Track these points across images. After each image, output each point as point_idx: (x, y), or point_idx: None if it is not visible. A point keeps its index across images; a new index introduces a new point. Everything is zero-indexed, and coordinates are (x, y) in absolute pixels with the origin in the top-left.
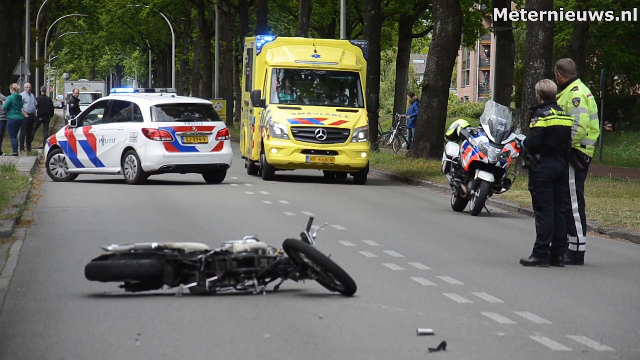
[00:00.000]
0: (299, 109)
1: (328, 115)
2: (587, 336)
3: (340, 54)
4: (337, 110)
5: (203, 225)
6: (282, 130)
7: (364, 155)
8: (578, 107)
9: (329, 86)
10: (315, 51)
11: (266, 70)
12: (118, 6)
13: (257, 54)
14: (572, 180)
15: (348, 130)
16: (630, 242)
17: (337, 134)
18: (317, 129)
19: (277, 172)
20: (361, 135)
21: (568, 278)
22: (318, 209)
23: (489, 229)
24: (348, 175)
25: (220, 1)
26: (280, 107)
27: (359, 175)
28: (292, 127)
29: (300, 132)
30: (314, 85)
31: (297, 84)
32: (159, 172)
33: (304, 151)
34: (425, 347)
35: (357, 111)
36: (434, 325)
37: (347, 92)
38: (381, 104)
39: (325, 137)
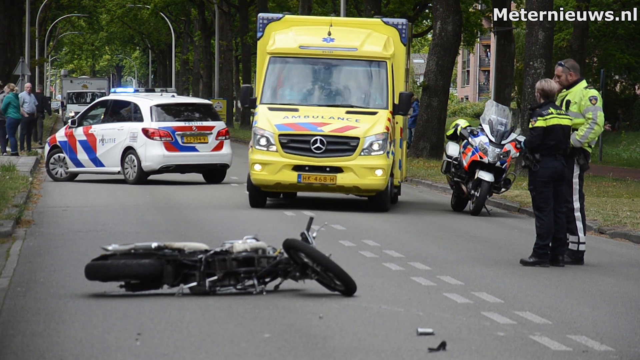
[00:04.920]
0: (296, 110)
1: (332, 119)
2: (587, 336)
3: (363, 37)
4: (348, 112)
5: (203, 225)
6: (268, 139)
7: (379, 173)
8: (596, 105)
9: (343, 80)
10: (329, 33)
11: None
12: (118, 6)
13: (259, 38)
14: (575, 180)
15: (356, 139)
16: (630, 242)
17: (341, 145)
18: (314, 138)
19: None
20: (376, 146)
21: (568, 278)
22: (318, 209)
23: (489, 229)
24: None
25: (220, 1)
26: (271, 109)
27: (375, 201)
28: (280, 135)
29: (291, 142)
30: (323, 78)
31: (300, 78)
32: (159, 172)
33: (295, 168)
34: (425, 347)
35: (374, 113)
36: (434, 325)
37: (366, 87)
38: None
39: (323, 148)
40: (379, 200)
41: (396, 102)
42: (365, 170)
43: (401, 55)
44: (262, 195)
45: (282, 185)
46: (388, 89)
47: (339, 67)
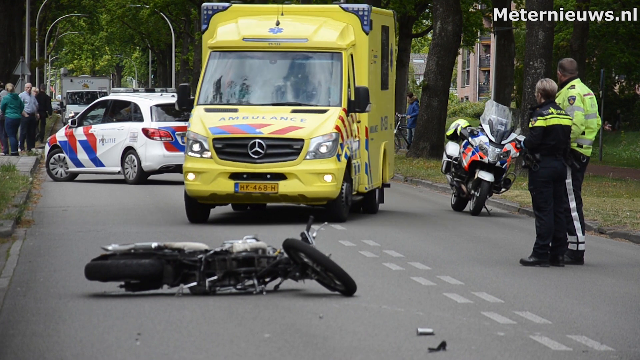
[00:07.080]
0: (235, 111)
1: (274, 119)
2: (587, 336)
3: (315, 26)
4: (294, 111)
5: (203, 226)
6: (201, 144)
7: (328, 179)
8: (573, 105)
9: (292, 75)
10: (277, 23)
11: None
12: (118, 6)
13: (204, 32)
14: (568, 180)
15: (300, 141)
16: (630, 242)
17: (283, 148)
18: (252, 141)
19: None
20: (324, 148)
21: (568, 278)
22: (317, 209)
23: (489, 229)
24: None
25: (220, 1)
26: (207, 110)
27: (329, 209)
28: (214, 139)
29: (227, 147)
30: (268, 74)
31: (242, 74)
32: (159, 172)
33: (232, 176)
34: (425, 347)
35: (324, 111)
36: (434, 325)
37: (317, 82)
38: None
39: (263, 153)
40: (332, 210)
41: (353, 98)
42: (312, 176)
43: (363, 45)
44: (201, 208)
45: (218, 196)
46: (342, 83)
47: (286, 61)
